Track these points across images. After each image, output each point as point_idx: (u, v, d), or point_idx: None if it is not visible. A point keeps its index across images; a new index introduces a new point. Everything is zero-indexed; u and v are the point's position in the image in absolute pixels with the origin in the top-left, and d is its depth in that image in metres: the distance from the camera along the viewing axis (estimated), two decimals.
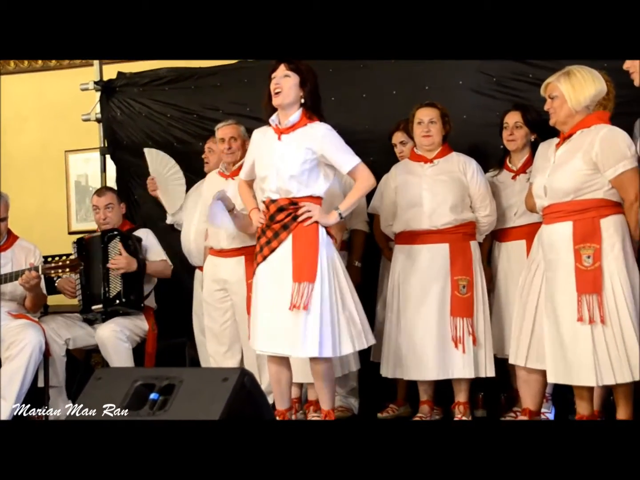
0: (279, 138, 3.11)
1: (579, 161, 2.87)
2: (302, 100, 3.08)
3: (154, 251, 4.04)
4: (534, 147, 3.43)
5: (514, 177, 3.61)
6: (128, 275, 3.84)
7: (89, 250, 3.90)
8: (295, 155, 3.04)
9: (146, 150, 4.34)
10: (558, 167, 2.94)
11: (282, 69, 3.07)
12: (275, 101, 3.08)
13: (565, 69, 2.94)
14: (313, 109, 3.10)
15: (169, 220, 4.34)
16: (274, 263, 3.07)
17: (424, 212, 3.48)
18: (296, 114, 3.08)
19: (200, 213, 3.99)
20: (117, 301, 3.83)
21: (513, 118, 3.57)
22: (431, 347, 3.42)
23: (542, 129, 3.48)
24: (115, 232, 3.90)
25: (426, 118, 3.52)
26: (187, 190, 4.30)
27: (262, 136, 3.19)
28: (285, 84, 3.06)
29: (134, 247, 3.90)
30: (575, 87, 2.89)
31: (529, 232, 3.36)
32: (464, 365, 3.41)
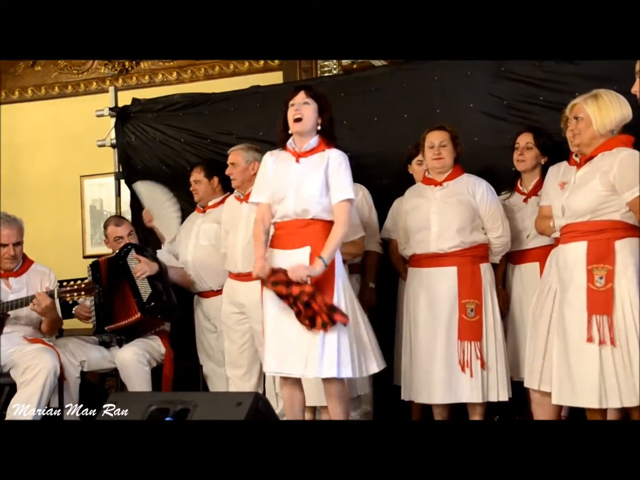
0: (297, 161, 3.13)
1: (597, 182, 2.87)
2: (319, 127, 3.11)
3: (172, 262, 4.10)
4: (544, 170, 3.44)
5: (525, 200, 3.62)
6: (154, 279, 3.88)
7: (107, 272, 3.92)
8: (315, 176, 3.07)
9: (136, 185, 4.42)
10: (577, 188, 2.94)
11: (301, 96, 3.10)
12: (295, 128, 3.10)
13: (593, 91, 2.94)
14: (330, 136, 3.14)
15: (164, 249, 4.26)
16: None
17: (432, 235, 3.49)
18: (314, 139, 3.12)
19: (195, 239, 4.07)
20: (152, 303, 3.84)
21: (524, 139, 3.59)
22: (439, 371, 3.41)
23: (554, 152, 3.49)
24: (129, 246, 3.95)
25: (437, 141, 3.53)
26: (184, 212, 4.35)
27: (275, 159, 3.19)
28: (305, 111, 3.09)
29: (150, 254, 3.98)
30: (602, 110, 2.88)
31: (542, 255, 3.35)
32: (471, 389, 3.39)
